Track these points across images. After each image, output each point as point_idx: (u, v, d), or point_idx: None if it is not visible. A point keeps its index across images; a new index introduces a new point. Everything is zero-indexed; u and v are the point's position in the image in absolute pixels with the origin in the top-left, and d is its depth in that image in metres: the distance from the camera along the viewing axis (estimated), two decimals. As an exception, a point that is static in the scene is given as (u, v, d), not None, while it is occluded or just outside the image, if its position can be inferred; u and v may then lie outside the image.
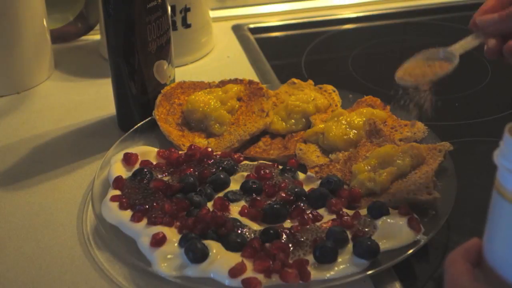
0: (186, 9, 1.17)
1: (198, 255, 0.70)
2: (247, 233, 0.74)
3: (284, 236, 0.73)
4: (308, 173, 0.85)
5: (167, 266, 0.71)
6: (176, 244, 0.73)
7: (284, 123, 0.94)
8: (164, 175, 0.84)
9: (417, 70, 0.82)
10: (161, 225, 0.75)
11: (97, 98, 1.09)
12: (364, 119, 0.90)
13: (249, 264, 0.70)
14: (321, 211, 0.78)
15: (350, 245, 0.72)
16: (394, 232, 0.73)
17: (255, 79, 1.09)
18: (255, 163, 0.87)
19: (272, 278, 0.68)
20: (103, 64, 1.17)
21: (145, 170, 0.84)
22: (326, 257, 0.70)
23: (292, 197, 0.79)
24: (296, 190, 0.80)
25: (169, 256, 0.72)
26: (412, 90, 0.84)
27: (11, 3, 1.07)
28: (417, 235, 0.73)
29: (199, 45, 1.22)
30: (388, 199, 0.78)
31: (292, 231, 0.73)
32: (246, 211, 0.77)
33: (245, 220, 0.76)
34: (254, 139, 0.93)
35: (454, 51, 0.82)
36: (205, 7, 1.22)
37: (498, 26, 0.79)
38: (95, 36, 1.29)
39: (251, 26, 1.35)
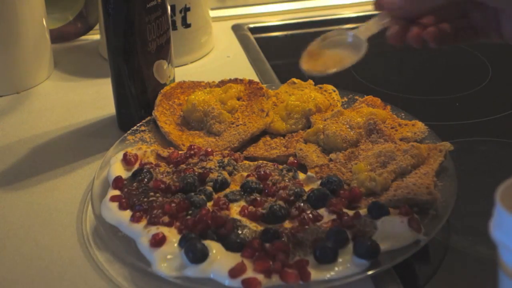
0: (186, 9, 1.17)
1: (198, 256, 0.70)
2: (247, 233, 0.74)
3: (284, 236, 0.73)
4: (308, 173, 0.84)
5: (167, 267, 0.71)
6: (176, 245, 0.73)
7: (284, 123, 0.94)
8: (164, 175, 0.84)
9: (323, 58, 0.79)
10: (161, 225, 0.75)
11: (97, 98, 1.09)
12: (364, 118, 0.90)
13: (249, 265, 0.69)
14: (321, 211, 0.77)
15: (350, 246, 0.71)
16: (394, 232, 0.73)
17: (255, 79, 1.08)
18: (255, 163, 0.87)
19: (272, 279, 0.68)
20: (102, 64, 1.17)
21: (145, 170, 0.83)
22: (326, 258, 0.70)
23: (292, 197, 0.78)
24: (296, 190, 0.79)
25: (169, 257, 0.72)
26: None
27: (10, 2, 1.07)
28: (418, 235, 0.72)
29: (199, 45, 1.22)
30: (389, 199, 0.78)
31: (292, 231, 0.73)
32: (246, 211, 0.77)
33: (245, 220, 0.76)
34: (254, 139, 0.93)
35: (361, 36, 0.79)
36: (205, 7, 1.22)
37: (402, 9, 0.74)
38: (95, 36, 1.29)
39: (251, 26, 1.35)
